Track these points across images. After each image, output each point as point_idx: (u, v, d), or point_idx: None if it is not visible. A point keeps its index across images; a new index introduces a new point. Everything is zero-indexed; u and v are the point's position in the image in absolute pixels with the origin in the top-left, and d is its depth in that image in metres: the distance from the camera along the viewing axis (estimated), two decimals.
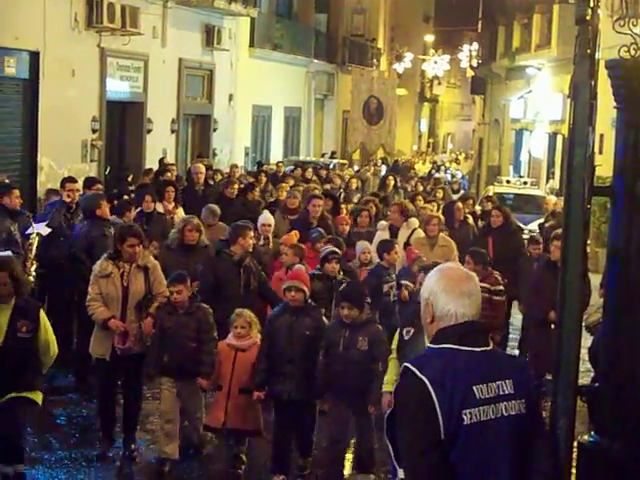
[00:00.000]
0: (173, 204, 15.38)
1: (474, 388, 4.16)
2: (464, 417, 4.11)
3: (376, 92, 24.79)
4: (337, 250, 11.46)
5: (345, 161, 31.01)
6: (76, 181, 13.77)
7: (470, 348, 4.27)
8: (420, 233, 13.94)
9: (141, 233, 9.97)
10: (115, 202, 15.03)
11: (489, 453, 4.19)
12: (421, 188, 24.22)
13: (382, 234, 13.98)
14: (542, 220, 19.15)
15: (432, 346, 4.33)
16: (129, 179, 19.93)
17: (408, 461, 4.19)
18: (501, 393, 4.23)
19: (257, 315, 10.04)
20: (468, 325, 4.31)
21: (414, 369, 4.17)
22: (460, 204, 16.54)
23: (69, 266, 12.12)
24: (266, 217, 13.97)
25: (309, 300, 9.45)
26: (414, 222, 14.27)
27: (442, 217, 14.52)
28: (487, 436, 4.17)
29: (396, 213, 14.39)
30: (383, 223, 14.62)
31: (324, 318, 9.64)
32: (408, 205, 15.29)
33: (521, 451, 4.29)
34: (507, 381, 4.27)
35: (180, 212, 15.15)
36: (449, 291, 4.33)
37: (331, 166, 29.67)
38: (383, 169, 35.37)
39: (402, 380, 4.25)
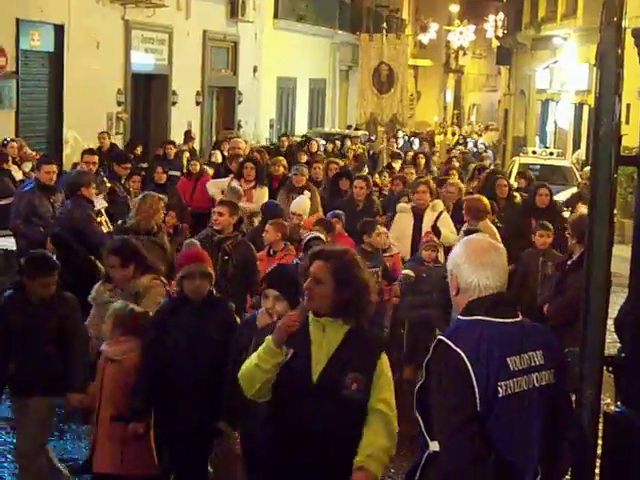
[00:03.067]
0: (253, 183, 13.67)
1: (508, 360, 4.18)
2: (499, 389, 4.13)
3: (386, 58, 23.85)
4: (321, 236, 9.92)
5: (357, 132, 30.35)
6: (95, 153, 13.75)
7: (501, 319, 4.28)
8: (448, 217, 12.40)
9: (124, 251, 7.87)
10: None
11: (521, 423, 4.21)
12: (457, 164, 23.30)
13: (403, 217, 12.38)
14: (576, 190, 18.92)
15: (462, 318, 4.34)
16: (138, 152, 19.81)
17: (446, 433, 4.19)
18: (533, 364, 4.26)
19: (238, 308, 9.26)
20: (496, 296, 4.33)
21: (449, 342, 4.18)
22: (504, 180, 14.41)
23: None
24: (298, 203, 12.20)
25: (213, 290, 7.09)
26: (439, 204, 12.53)
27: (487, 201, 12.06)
28: (520, 407, 4.19)
29: (426, 193, 12.46)
30: (404, 205, 12.68)
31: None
32: (432, 183, 13.32)
33: (550, 420, 4.30)
34: (538, 352, 4.29)
35: (262, 194, 13.52)
36: (472, 262, 4.34)
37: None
38: (416, 143, 35.11)
39: (435, 352, 4.25)
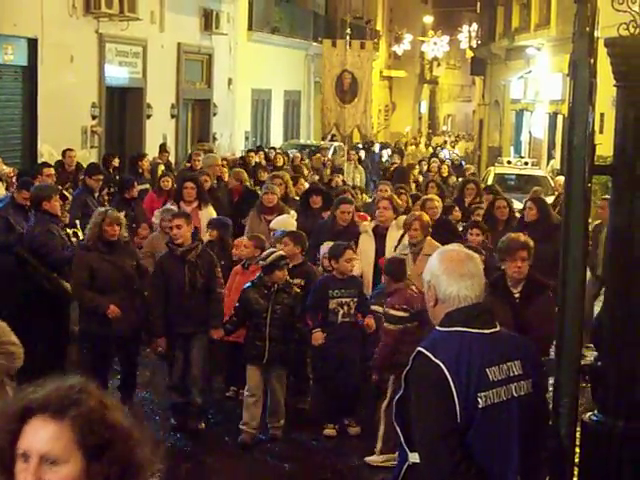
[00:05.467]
0: (195, 204, 12.84)
1: (487, 371, 4.19)
2: (479, 400, 4.13)
3: (349, 66, 22.97)
4: (285, 255, 9.64)
5: (325, 144, 29.41)
6: (52, 166, 13.68)
7: (480, 330, 4.28)
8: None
9: None
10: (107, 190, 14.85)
11: (501, 434, 4.22)
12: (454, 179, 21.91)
13: (363, 239, 11.33)
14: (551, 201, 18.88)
15: (441, 329, 4.33)
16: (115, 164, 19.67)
17: (427, 445, 4.18)
18: (511, 374, 4.27)
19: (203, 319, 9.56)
20: (475, 307, 4.33)
21: (428, 353, 4.17)
22: (503, 201, 13.18)
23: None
24: (282, 221, 11.62)
25: None
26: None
27: (427, 218, 10.96)
28: (499, 418, 4.20)
29: (387, 210, 11.44)
30: (365, 225, 11.72)
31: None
32: (397, 199, 12.17)
33: (529, 430, 4.31)
34: (516, 362, 4.31)
35: (210, 213, 12.71)
36: (450, 273, 4.34)
37: (331, 150, 29.20)
38: (385, 154, 34.88)
39: (415, 364, 4.24)
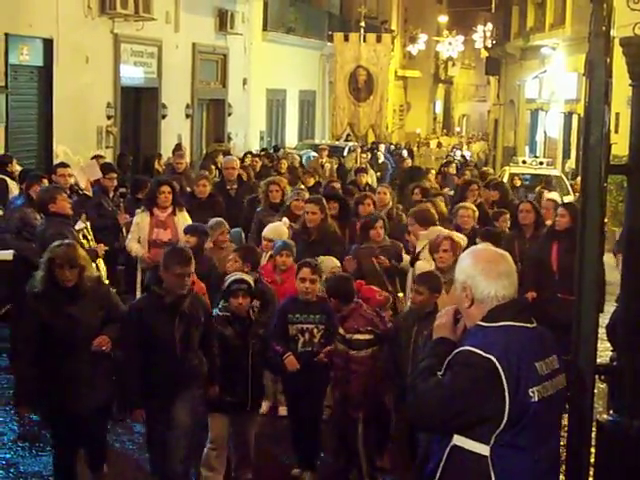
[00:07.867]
0: (170, 210, 11.68)
1: (536, 365, 4.22)
2: (531, 394, 4.15)
3: (364, 62, 21.80)
4: (246, 278, 7.92)
5: (324, 144, 28.37)
6: (68, 166, 13.69)
7: (525, 324, 4.31)
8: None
9: None
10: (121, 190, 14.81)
11: (545, 428, 4.27)
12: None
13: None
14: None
15: (486, 324, 4.30)
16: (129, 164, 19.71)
17: (435, 401, 4.19)
18: (554, 368, 4.32)
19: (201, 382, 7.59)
20: (519, 302, 4.38)
21: (478, 350, 4.14)
22: (528, 204, 11.86)
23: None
24: (273, 228, 10.69)
25: None
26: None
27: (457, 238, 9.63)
28: (547, 412, 4.25)
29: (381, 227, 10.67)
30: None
31: None
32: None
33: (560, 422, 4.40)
34: (554, 356, 4.37)
35: (185, 219, 11.54)
36: (487, 273, 4.34)
37: (346, 150, 28.97)
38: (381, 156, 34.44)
39: (461, 360, 4.19)
